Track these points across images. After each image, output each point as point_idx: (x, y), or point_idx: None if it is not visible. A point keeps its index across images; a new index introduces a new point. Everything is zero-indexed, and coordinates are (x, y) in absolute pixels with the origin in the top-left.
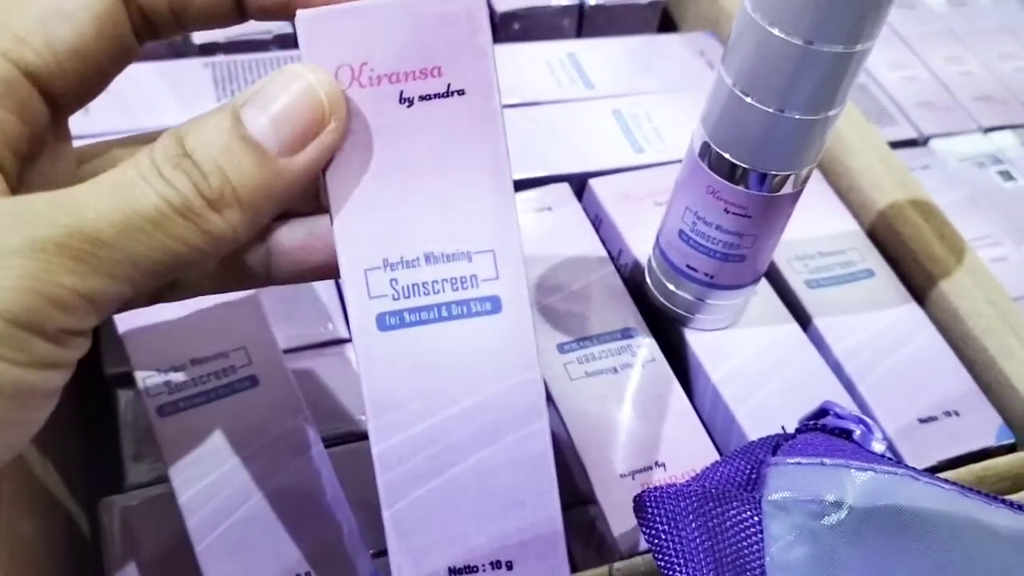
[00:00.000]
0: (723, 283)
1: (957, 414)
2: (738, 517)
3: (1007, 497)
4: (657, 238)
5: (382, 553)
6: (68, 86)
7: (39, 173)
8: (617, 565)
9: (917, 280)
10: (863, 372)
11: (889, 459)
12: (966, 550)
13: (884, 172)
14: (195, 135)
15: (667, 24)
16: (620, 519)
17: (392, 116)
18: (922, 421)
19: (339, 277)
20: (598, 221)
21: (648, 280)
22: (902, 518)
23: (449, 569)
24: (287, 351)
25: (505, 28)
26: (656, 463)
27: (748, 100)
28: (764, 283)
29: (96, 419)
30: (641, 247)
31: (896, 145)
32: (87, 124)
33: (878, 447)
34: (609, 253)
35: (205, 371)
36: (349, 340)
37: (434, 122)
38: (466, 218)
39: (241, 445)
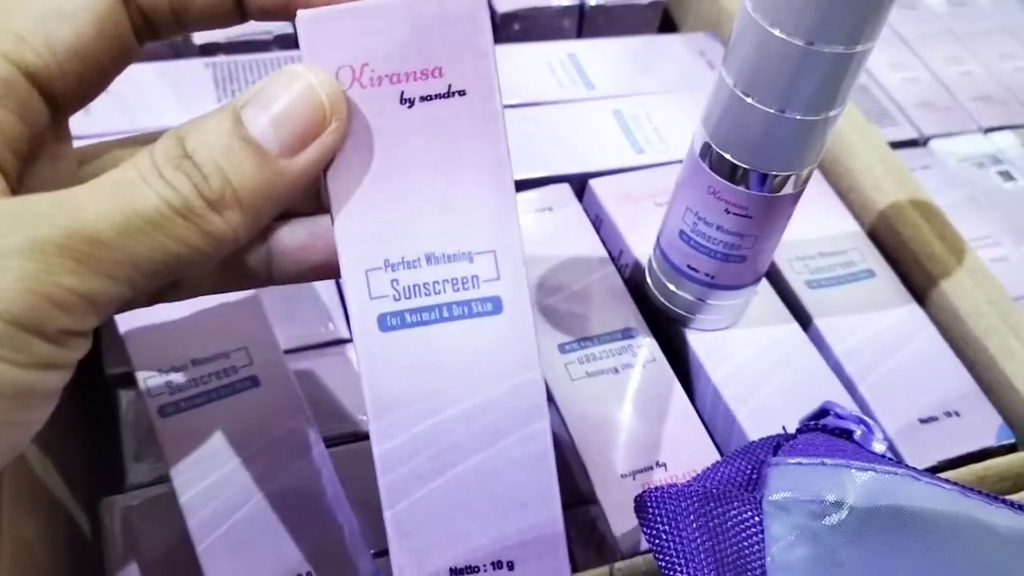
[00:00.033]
0: (724, 283)
1: (957, 414)
2: (739, 517)
3: (1008, 497)
4: (658, 238)
5: (383, 553)
6: (68, 86)
7: (39, 174)
8: (618, 565)
9: (917, 280)
10: (864, 372)
11: (890, 459)
12: (967, 550)
13: (884, 172)
14: (196, 136)
15: (667, 24)
16: (621, 519)
17: (393, 117)
18: (923, 421)
19: (340, 277)
20: (599, 221)
21: (649, 280)
22: (903, 518)
23: (450, 569)
24: (288, 351)
25: (506, 28)
26: (657, 463)
27: (749, 100)
28: (765, 283)
29: (97, 419)
30: (642, 247)
31: (896, 145)
32: (88, 124)
33: (879, 447)
34: (610, 253)
35: (206, 371)
36: (350, 340)
37: (435, 123)
38: (467, 218)
39: (242, 445)
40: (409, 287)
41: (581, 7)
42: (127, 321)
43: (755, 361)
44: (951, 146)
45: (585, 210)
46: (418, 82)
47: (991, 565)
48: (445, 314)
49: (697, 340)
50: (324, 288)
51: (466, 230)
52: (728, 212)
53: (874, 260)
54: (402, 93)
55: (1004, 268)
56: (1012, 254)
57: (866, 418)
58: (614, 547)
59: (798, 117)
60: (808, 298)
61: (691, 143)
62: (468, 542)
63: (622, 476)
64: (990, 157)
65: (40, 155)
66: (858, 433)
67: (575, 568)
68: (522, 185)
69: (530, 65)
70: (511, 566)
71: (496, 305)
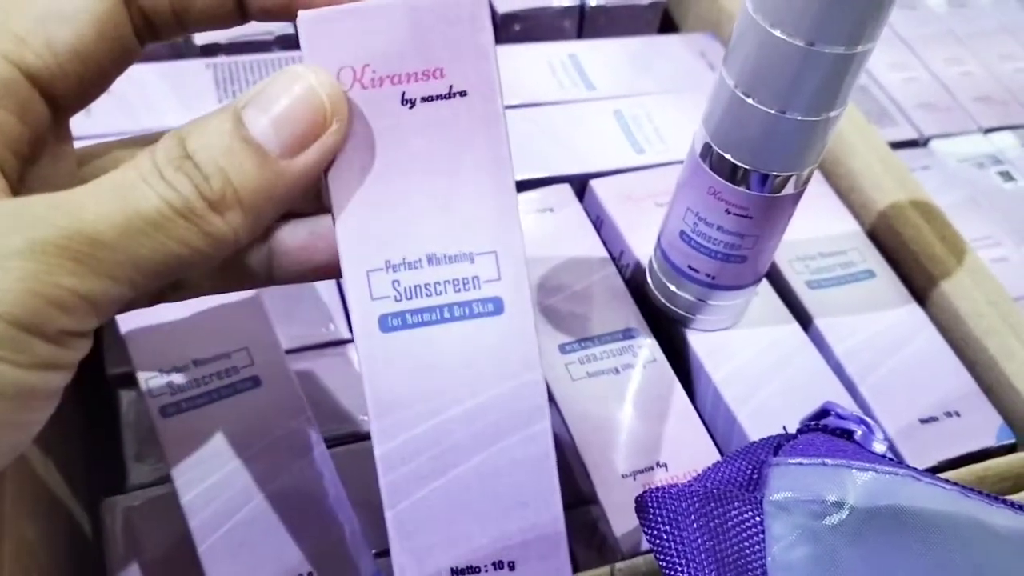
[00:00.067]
0: (724, 284)
1: (958, 414)
2: (740, 517)
3: (1008, 497)
4: (658, 239)
5: (384, 553)
6: (69, 87)
7: (40, 174)
8: (619, 565)
9: (918, 281)
10: (864, 373)
11: (890, 459)
12: (967, 550)
13: (885, 173)
14: (196, 137)
15: (668, 25)
16: (622, 519)
17: (394, 117)
18: (923, 421)
19: (341, 277)
20: (599, 222)
21: (649, 281)
22: (903, 518)
23: (452, 570)
24: (289, 351)
25: (506, 29)
26: (658, 463)
27: (749, 101)
28: (765, 284)
29: (98, 419)
30: (642, 248)
31: (897, 146)
32: (89, 125)
33: (879, 447)
34: (610, 254)
35: (207, 372)
36: (351, 340)
37: (436, 123)
38: (468, 219)
39: (243, 446)
40: (410, 288)
41: (582, 8)
42: (128, 321)
43: (756, 361)
44: (951, 146)
45: (586, 210)
46: (419, 83)
47: (991, 565)
48: (446, 315)
49: (698, 340)
50: (325, 288)
51: (467, 231)
52: (729, 212)
53: (874, 260)
54: (403, 94)
55: (1004, 268)
56: (1012, 254)
57: (866, 418)
58: (615, 547)
59: (799, 118)
60: (808, 298)
61: (692, 143)
62: (469, 542)
63: (623, 476)
64: (990, 157)
65: (41, 156)
66: (859, 433)
67: (576, 568)
68: (523, 186)
69: (531, 66)
70: (512, 566)
71: (497, 306)
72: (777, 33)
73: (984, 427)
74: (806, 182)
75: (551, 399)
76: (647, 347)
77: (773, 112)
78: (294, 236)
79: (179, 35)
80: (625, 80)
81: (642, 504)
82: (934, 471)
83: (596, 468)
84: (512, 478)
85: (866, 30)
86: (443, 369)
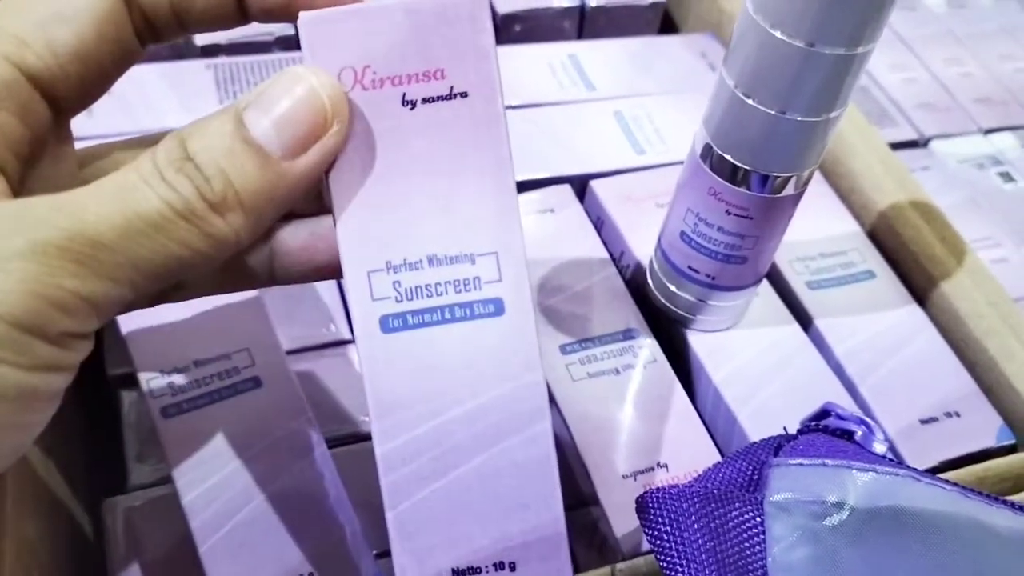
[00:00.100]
0: (725, 284)
1: (958, 415)
2: (740, 518)
3: (1008, 498)
4: (659, 239)
5: (385, 554)
6: (70, 88)
7: (41, 175)
8: (619, 566)
9: (918, 281)
10: (864, 373)
11: (890, 460)
12: (967, 551)
13: (885, 173)
14: (197, 138)
15: (668, 25)
16: (622, 520)
17: (395, 118)
18: (923, 422)
19: (342, 277)
20: (600, 223)
21: (650, 281)
22: (904, 519)
23: (452, 570)
24: (290, 352)
25: (506, 30)
26: (658, 464)
27: (750, 102)
28: (765, 284)
29: (99, 420)
30: (643, 248)
31: (897, 146)
32: (90, 126)
33: (879, 448)
34: (611, 254)
35: (208, 372)
36: (352, 341)
37: (437, 124)
38: (469, 220)
39: (244, 446)
40: (411, 288)
41: (582, 8)
42: (129, 322)
43: (756, 362)
44: (951, 147)
45: (586, 211)
46: (420, 84)
47: (991, 566)
48: (447, 316)
49: (698, 341)
50: (326, 289)
51: (468, 232)
52: (729, 213)
53: (874, 261)
54: (404, 95)
55: (1004, 269)
56: (1012, 255)
57: (867, 419)
58: (616, 548)
59: (799, 118)
60: (809, 299)
61: (692, 144)
62: (470, 543)
63: (623, 477)
64: (990, 158)
65: (42, 157)
66: (859, 434)
67: (577, 569)
68: (523, 186)
69: (531, 66)
70: (513, 567)
71: (498, 307)
72: (777, 34)
73: (984, 428)
74: (806, 183)
75: (552, 400)
76: (647, 348)
77: (773, 113)
78: (295, 237)
79: (180, 36)
80: (625, 81)
81: (643, 505)
82: (934, 472)
83: (597, 469)
84: (513, 479)
85: (866, 31)
86: (444, 370)
